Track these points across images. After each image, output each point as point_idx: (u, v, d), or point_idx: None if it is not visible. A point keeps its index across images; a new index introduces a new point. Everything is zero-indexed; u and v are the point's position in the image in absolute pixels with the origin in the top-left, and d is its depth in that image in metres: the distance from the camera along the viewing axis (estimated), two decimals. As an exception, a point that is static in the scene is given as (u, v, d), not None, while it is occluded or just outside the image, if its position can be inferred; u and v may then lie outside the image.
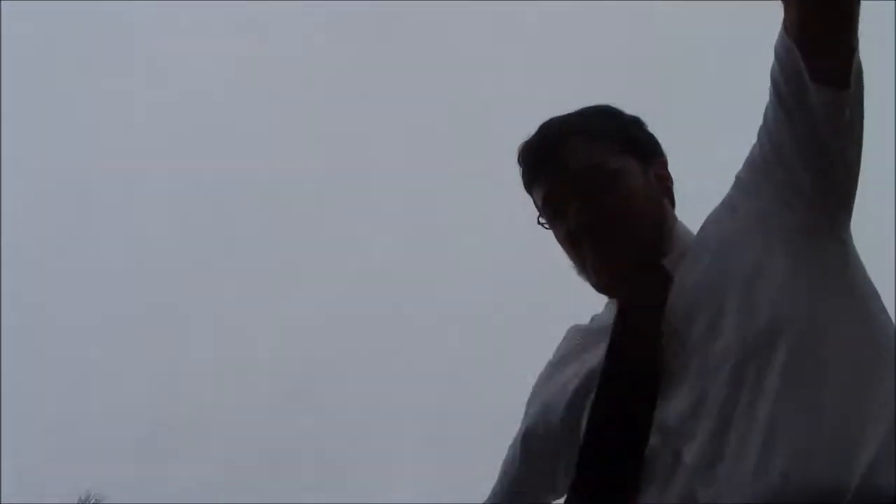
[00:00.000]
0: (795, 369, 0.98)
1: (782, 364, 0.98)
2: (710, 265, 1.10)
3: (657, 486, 1.00)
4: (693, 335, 1.06)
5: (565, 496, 1.11)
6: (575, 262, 1.22)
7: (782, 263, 1.04)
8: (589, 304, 1.27)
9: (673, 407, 1.03)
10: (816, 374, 0.98)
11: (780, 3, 1.03)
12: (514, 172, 1.26)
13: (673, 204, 1.25)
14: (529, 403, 1.27)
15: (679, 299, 1.10)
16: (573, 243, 1.20)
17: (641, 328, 1.12)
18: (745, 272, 1.06)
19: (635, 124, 1.25)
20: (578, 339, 1.26)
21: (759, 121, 1.11)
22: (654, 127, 1.28)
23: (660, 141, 1.27)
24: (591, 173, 1.17)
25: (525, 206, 1.27)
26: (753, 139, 1.13)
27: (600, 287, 1.22)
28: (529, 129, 1.25)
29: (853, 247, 1.09)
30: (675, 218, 1.23)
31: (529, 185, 1.25)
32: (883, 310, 1.06)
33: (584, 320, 1.28)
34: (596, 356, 1.16)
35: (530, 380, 1.30)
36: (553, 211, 1.21)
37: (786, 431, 0.95)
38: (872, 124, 1.12)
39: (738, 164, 1.16)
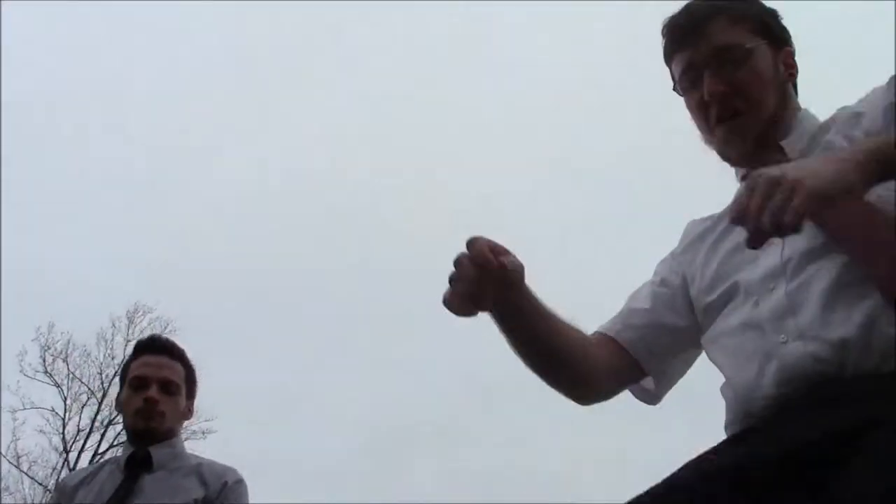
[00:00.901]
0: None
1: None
2: None
3: (743, 322, 1.20)
4: None
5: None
6: (702, 130, 1.35)
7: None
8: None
9: (765, 264, 1.20)
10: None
11: None
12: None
13: (796, 91, 1.36)
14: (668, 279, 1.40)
15: None
16: (703, 111, 1.32)
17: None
18: None
19: (771, 14, 1.36)
20: (705, 224, 1.39)
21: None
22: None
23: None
24: (727, 49, 1.29)
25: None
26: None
27: (725, 156, 1.35)
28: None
29: None
30: (798, 105, 1.35)
31: (669, 55, 1.37)
32: None
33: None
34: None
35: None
36: (689, 81, 1.33)
37: (850, 301, 1.10)
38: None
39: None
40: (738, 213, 0.99)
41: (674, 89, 1.38)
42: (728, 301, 1.26)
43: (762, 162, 1.25)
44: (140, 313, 23.16)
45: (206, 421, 20.03)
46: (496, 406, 26.54)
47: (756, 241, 0.98)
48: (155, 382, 2.38)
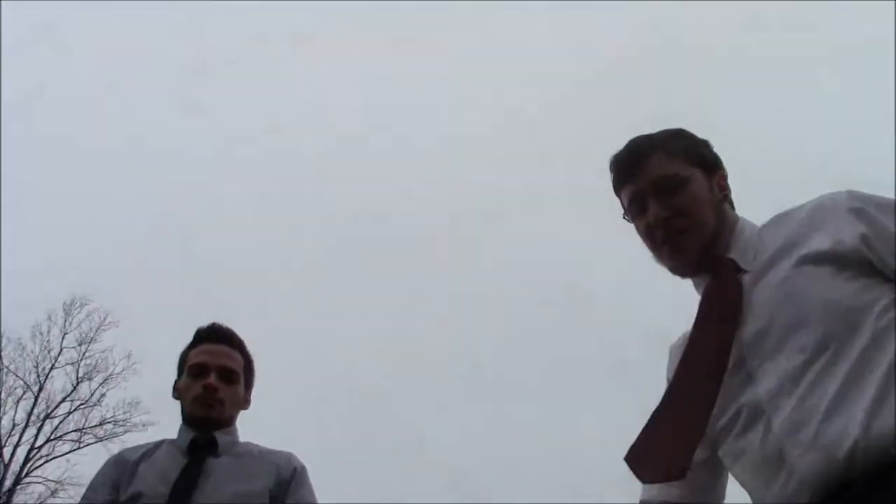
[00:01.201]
0: (857, 365, 1.26)
1: (848, 360, 1.27)
2: (787, 278, 1.38)
3: (759, 443, 1.32)
4: (775, 328, 1.35)
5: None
6: (653, 252, 1.53)
7: (853, 295, 1.32)
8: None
9: (763, 386, 1.33)
10: (870, 372, 1.25)
11: None
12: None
13: (733, 208, 1.55)
14: None
15: (762, 298, 1.38)
16: (651, 235, 1.51)
17: (723, 306, 1.42)
18: (821, 292, 1.33)
19: (703, 145, 1.56)
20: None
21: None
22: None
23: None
24: (666, 180, 1.48)
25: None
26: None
27: (675, 271, 1.54)
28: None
29: None
30: (737, 217, 1.53)
31: (618, 188, 1.56)
32: None
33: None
34: None
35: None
36: (636, 209, 1.53)
37: (845, 406, 1.23)
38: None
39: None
40: None
41: (624, 217, 1.56)
42: (736, 422, 1.38)
43: (715, 274, 1.46)
44: (77, 305, 22.65)
45: (144, 414, 19.70)
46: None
47: None
48: (214, 370, 2.40)
